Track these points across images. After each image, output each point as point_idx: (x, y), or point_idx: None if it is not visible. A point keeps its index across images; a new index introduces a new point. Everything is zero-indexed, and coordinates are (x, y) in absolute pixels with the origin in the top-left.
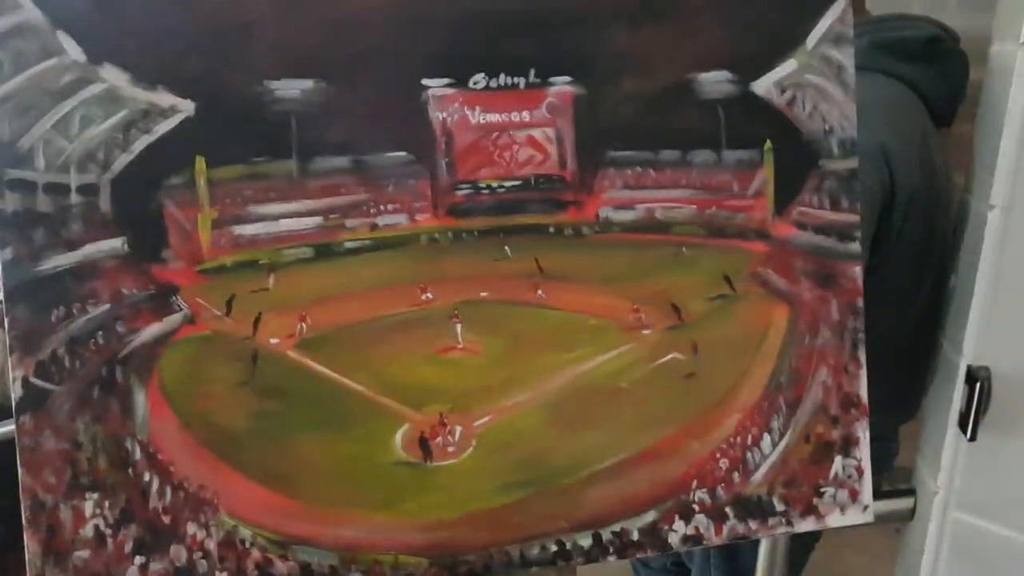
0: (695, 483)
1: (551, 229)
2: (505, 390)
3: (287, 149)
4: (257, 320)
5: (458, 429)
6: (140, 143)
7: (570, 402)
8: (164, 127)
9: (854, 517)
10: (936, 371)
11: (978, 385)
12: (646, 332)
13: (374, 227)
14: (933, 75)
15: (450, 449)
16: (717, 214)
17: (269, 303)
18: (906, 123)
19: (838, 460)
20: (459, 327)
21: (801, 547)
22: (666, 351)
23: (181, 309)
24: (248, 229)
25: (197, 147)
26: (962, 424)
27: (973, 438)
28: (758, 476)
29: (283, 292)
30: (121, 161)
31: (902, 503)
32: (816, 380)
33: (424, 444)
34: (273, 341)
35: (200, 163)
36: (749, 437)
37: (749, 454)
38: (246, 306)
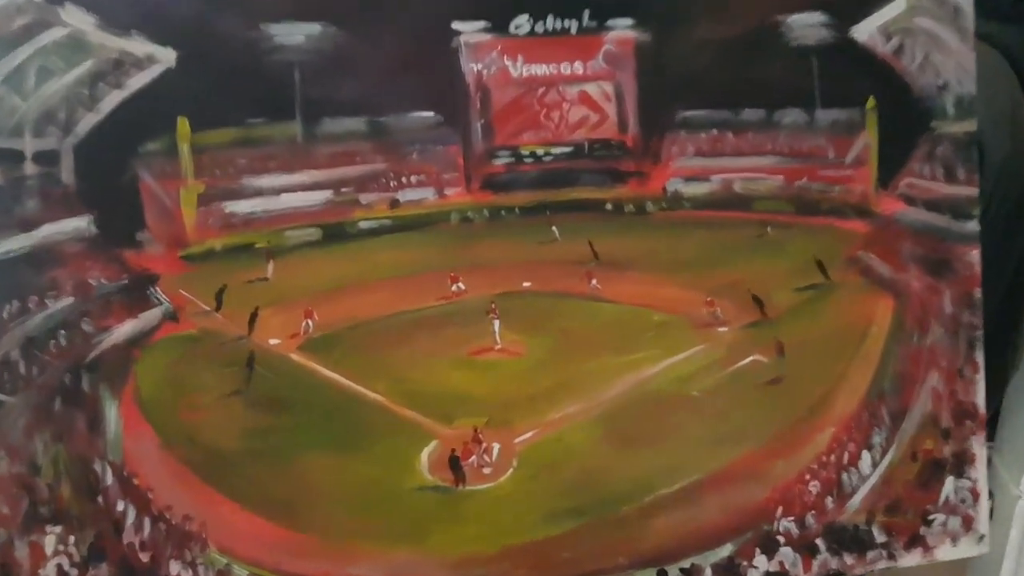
0: (780, 510)
1: (608, 206)
2: (552, 400)
3: (289, 109)
4: (253, 316)
5: (496, 447)
6: (110, 100)
7: (630, 414)
8: (139, 81)
9: (968, 548)
10: (1019, 362)
11: None
12: (722, 330)
13: (394, 203)
14: None
15: (486, 471)
16: (808, 187)
17: (268, 296)
18: (995, 88)
19: (949, 481)
20: (497, 324)
21: None
22: (746, 353)
23: (161, 303)
24: (242, 206)
25: (179, 106)
26: None
27: None
28: (855, 501)
29: (285, 282)
30: (87, 123)
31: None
32: (925, 387)
33: (455, 465)
34: (273, 342)
35: (183, 125)
36: (845, 455)
37: (845, 475)
38: (240, 299)
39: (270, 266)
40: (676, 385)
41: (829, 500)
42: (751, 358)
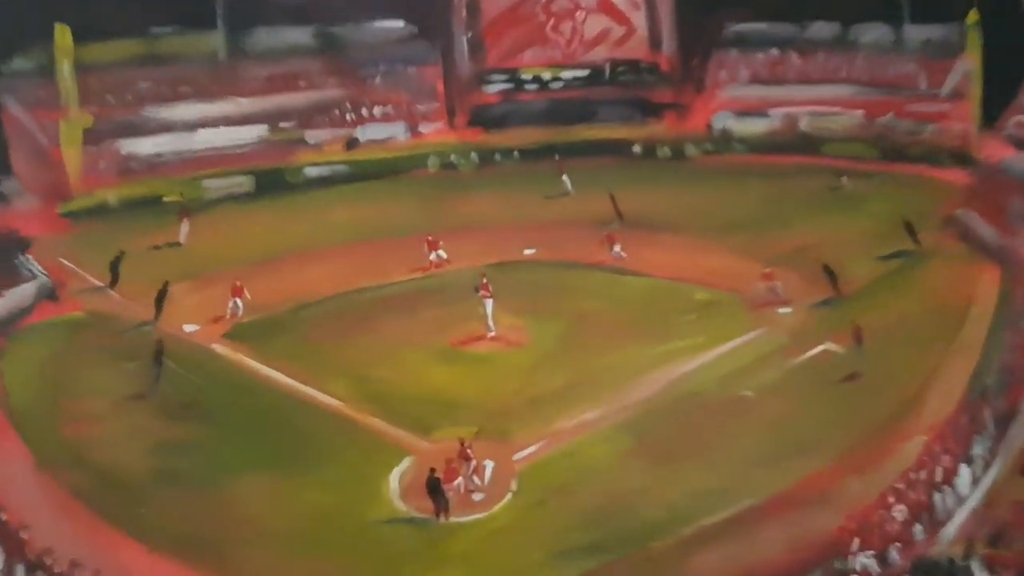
0: (856, 543)
1: (636, 148)
2: (563, 403)
3: (208, 14)
4: (162, 294)
5: (489, 465)
6: None
7: (665, 421)
8: None
9: None
10: None
11: None
12: (784, 311)
13: (352, 143)
14: None
15: (476, 497)
16: (894, 125)
17: (182, 267)
18: None
19: None
20: (490, 304)
21: None
22: (814, 340)
23: (35, 276)
24: (145, 145)
25: (58, 9)
26: None
27: None
28: (950, 530)
29: (205, 249)
30: None
31: None
32: None
33: (435, 489)
34: (189, 328)
35: (62, 35)
36: (938, 471)
37: (938, 496)
38: (144, 271)
39: (184, 227)
40: (724, 383)
41: (918, 528)
42: (821, 347)
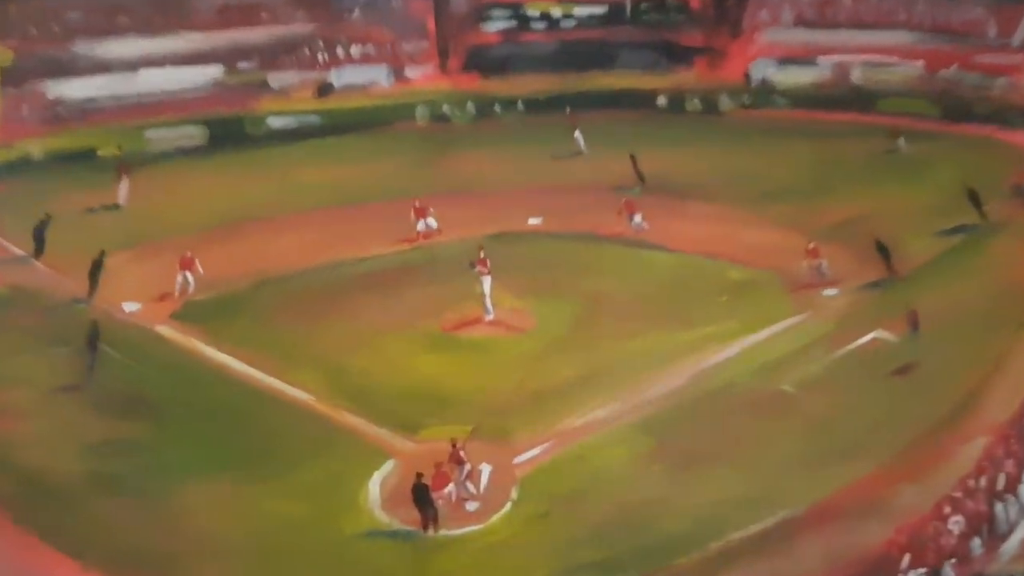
0: (906, 558)
1: (661, 100)
2: (573, 398)
3: None
4: (98, 266)
5: (485, 470)
6: None
7: (690, 420)
8: None
9: None
10: None
11: None
12: (830, 292)
13: (325, 89)
14: None
15: (471, 506)
16: (959, 78)
17: (121, 233)
18: None
19: None
20: (487, 282)
21: None
22: (864, 327)
23: None
24: (76, 87)
25: None
26: None
27: None
28: (1013, 544)
29: (149, 212)
30: None
31: None
32: None
33: (422, 498)
34: (130, 307)
35: None
36: (1001, 477)
37: (999, 507)
38: (75, 238)
39: (123, 185)
40: (760, 376)
41: (976, 543)
42: (871, 335)
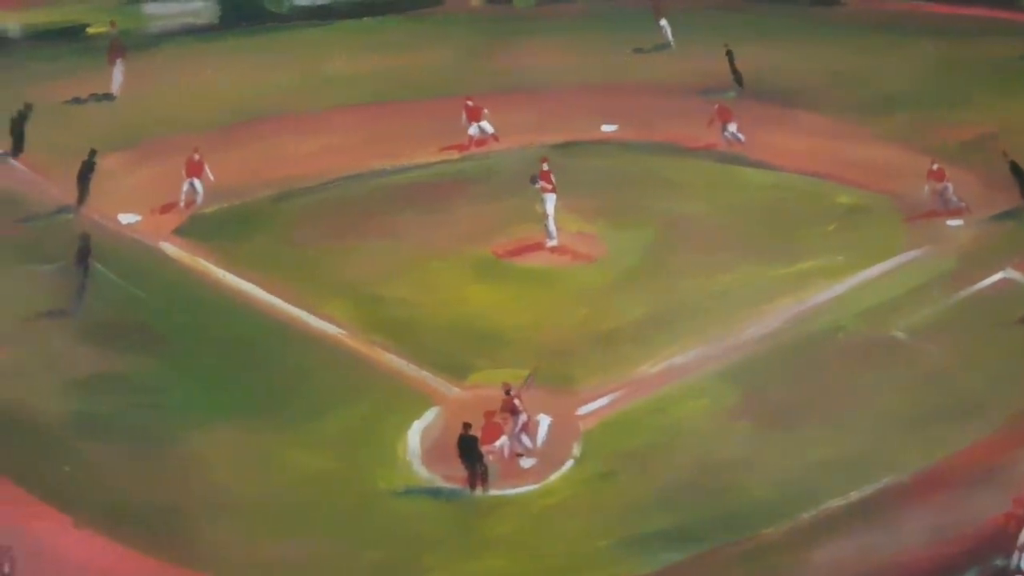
0: None
1: None
2: (647, 341)
3: None
4: (88, 169)
5: (544, 421)
6: None
7: (783, 370)
8: None
9: None
10: None
11: None
12: (954, 223)
13: None
14: None
15: (526, 463)
16: None
17: (115, 129)
18: None
19: None
20: (551, 200)
21: None
22: (992, 264)
23: None
24: None
25: None
26: None
27: None
28: None
29: (148, 104)
30: None
31: None
32: None
33: (469, 451)
34: (127, 219)
35: None
36: None
37: None
38: (61, 135)
39: (117, 71)
40: (868, 320)
41: None
42: (999, 275)
